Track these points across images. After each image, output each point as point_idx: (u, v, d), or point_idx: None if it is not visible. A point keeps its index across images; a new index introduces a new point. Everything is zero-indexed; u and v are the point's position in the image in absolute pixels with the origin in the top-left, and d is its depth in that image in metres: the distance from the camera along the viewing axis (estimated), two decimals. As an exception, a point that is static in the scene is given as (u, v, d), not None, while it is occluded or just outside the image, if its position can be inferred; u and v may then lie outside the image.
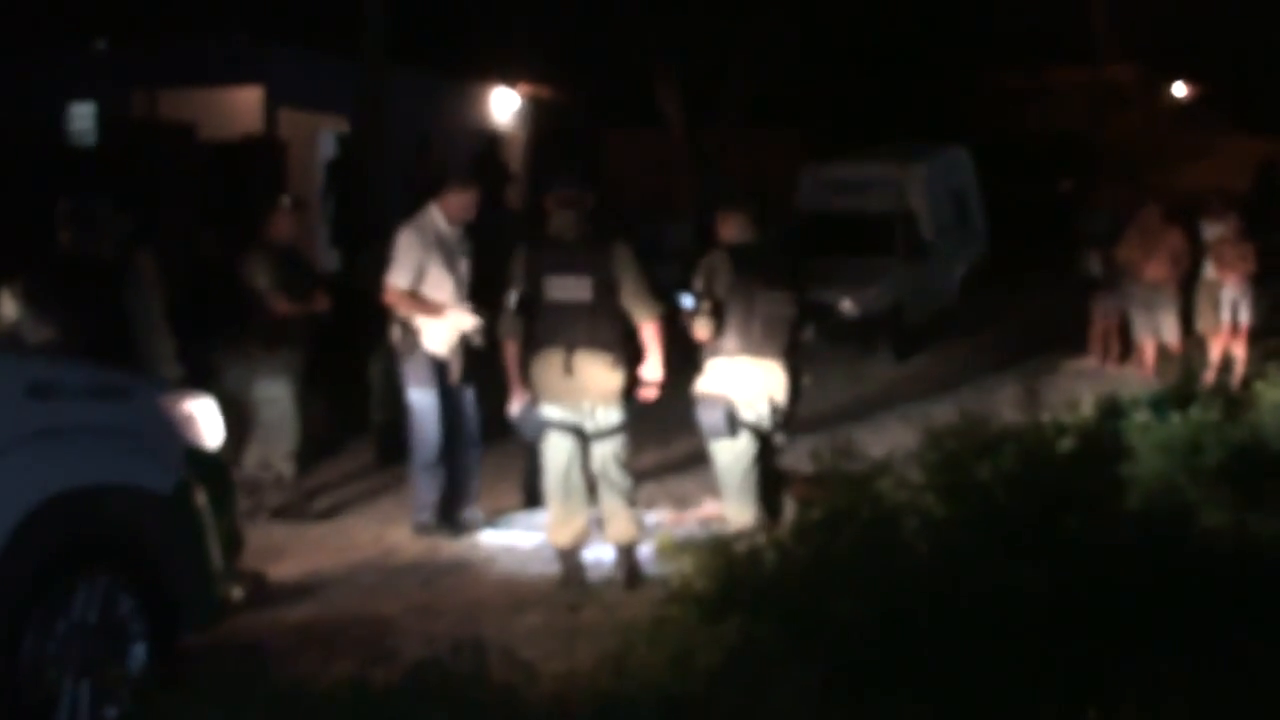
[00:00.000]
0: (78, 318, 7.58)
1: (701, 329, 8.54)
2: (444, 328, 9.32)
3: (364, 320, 11.14)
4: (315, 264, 19.31)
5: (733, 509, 8.68)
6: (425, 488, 9.50)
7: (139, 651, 5.63)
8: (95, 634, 5.45)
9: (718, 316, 8.51)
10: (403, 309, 9.34)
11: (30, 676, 5.18)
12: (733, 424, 8.56)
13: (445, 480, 9.51)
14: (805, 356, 9.11)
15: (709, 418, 8.59)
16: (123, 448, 5.82)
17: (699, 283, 8.59)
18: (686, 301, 8.56)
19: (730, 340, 8.56)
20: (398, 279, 9.28)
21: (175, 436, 6.07)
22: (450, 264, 9.36)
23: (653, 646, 5.67)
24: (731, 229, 8.88)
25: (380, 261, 9.62)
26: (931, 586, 5.77)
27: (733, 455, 8.64)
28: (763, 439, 8.74)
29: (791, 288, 8.86)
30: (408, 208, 10.15)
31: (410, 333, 9.36)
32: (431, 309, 9.27)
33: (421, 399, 9.41)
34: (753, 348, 8.58)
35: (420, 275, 9.27)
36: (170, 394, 6.36)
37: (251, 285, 9.90)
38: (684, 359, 8.83)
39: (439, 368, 9.39)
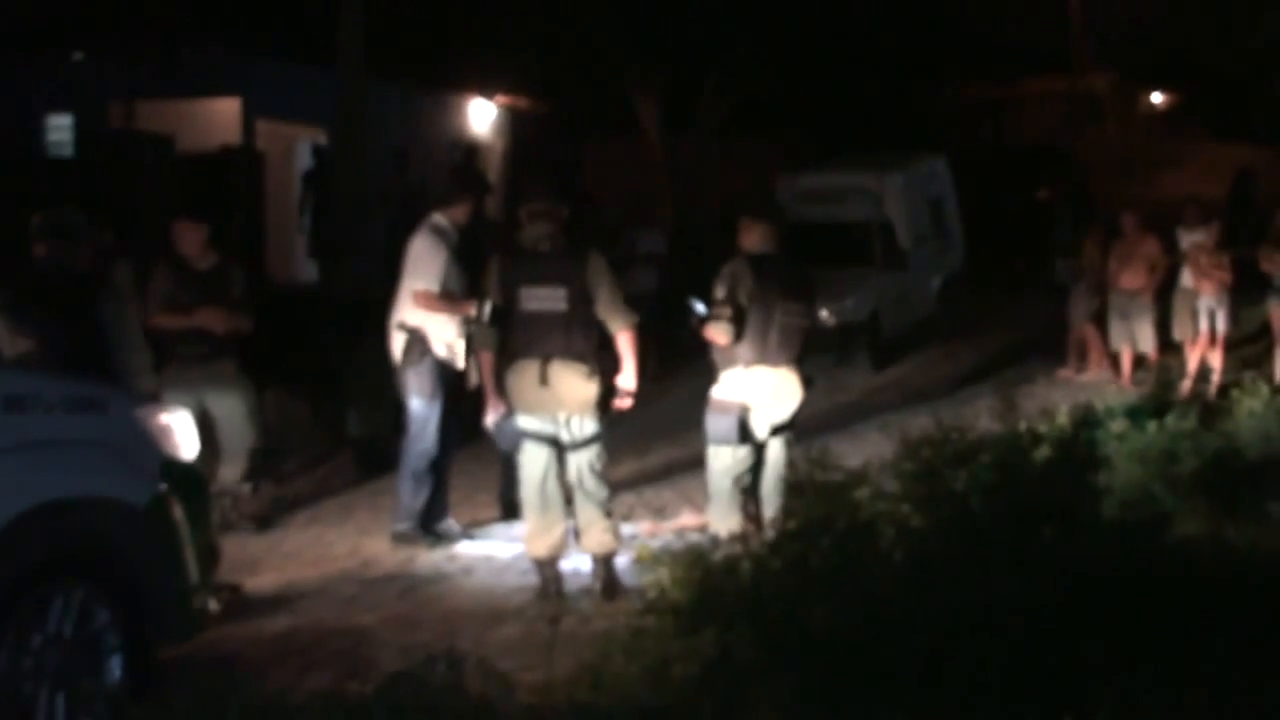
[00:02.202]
0: (54, 330, 7.57)
1: (721, 334, 8.54)
2: (454, 334, 9.30)
3: (341, 331, 11.10)
4: (296, 279, 19.26)
5: (715, 515, 8.67)
6: (411, 497, 9.48)
7: (115, 664, 5.62)
8: (71, 647, 5.44)
9: (738, 324, 8.52)
10: (436, 310, 9.31)
11: (5, 689, 5.16)
12: (743, 433, 8.56)
13: (431, 490, 9.50)
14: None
15: (719, 425, 8.58)
16: (99, 460, 5.81)
17: (720, 290, 8.59)
18: (700, 308, 8.58)
19: (746, 349, 8.55)
20: (428, 283, 9.29)
21: (151, 449, 6.07)
22: (461, 267, 9.40)
23: (629, 657, 5.67)
24: (754, 239, 8.87)
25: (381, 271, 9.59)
26: (908, 596, 5.78)
27: (728, 462, 8.63)
28: (758, 451, 8.73)
29: (807, 299, 8.89)
30: (390, 220, 10.15)
31: (419, 341, 9.34)
32: (463, 307, 9.24)
33: (424, 409, 9.40)
34: (768, 357, 8.58)
35: (444, 279, 9.29)
36: (146, 406, 6.36)
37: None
38: (677, 365, 8.83)
39: (443, 377, 9.38)
